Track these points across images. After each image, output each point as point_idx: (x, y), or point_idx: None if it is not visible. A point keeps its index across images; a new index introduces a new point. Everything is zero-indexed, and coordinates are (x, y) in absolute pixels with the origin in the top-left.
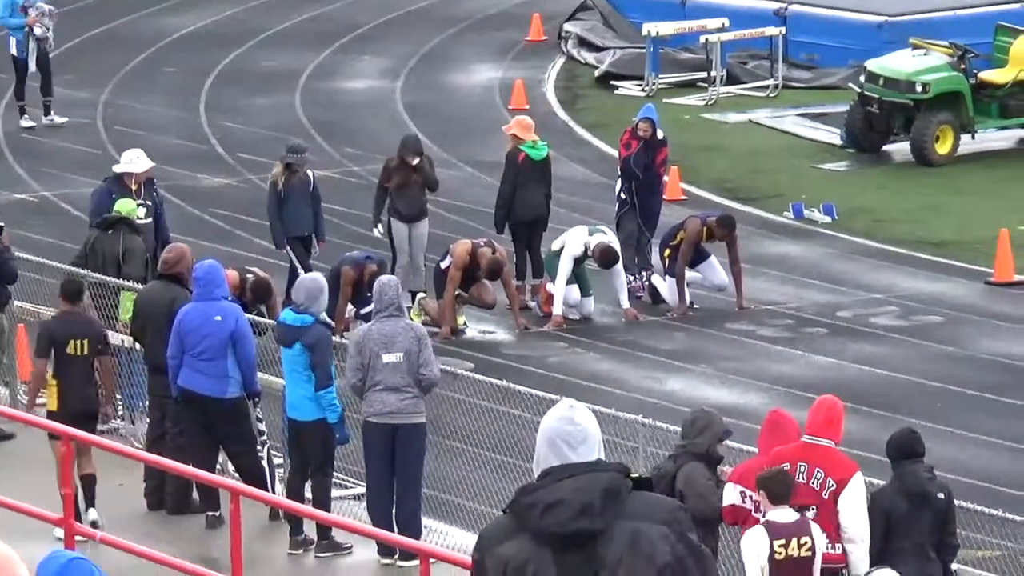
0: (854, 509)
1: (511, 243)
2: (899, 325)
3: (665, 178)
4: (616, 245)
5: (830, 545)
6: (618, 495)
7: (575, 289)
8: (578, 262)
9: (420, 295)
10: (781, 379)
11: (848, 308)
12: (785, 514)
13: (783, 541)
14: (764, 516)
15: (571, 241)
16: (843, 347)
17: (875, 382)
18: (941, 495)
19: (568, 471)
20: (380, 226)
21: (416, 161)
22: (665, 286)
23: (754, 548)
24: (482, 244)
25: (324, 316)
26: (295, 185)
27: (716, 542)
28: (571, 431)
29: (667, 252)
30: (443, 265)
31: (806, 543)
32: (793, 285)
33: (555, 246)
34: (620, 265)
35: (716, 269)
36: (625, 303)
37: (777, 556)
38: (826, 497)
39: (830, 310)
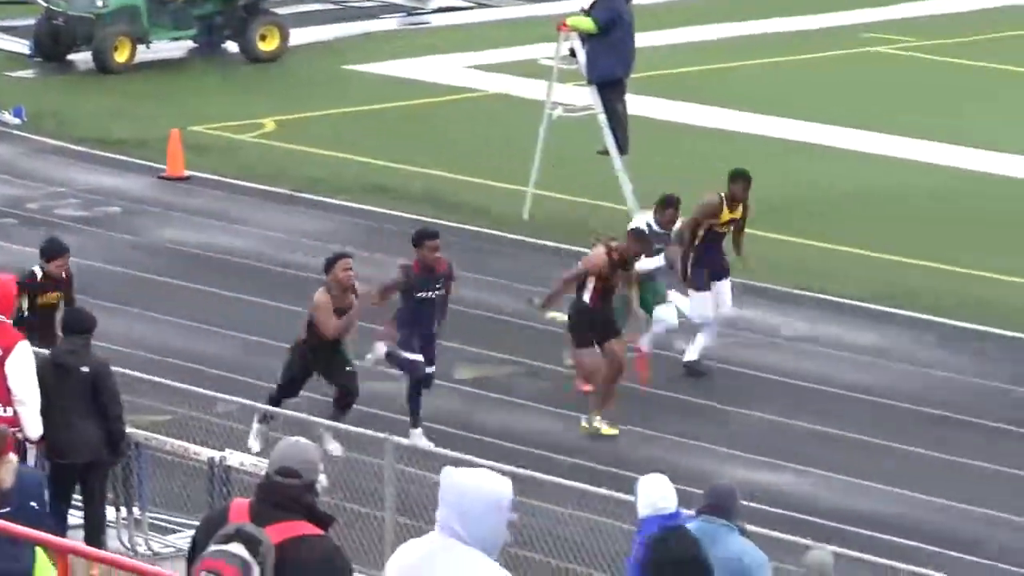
0: (22, 373)
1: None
2: (82, 216)
3: None
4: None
5: (2, 408)
6: None
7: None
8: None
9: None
10: None
11: (36, 200)
12: None
13: None
14: None
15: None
16: (30, 236)
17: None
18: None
19: None
20: None
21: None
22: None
23: None
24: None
25: None
26: None
27: None
28: None
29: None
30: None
31: None
32: None
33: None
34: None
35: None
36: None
37: None
38: None
39: (21, 203)
